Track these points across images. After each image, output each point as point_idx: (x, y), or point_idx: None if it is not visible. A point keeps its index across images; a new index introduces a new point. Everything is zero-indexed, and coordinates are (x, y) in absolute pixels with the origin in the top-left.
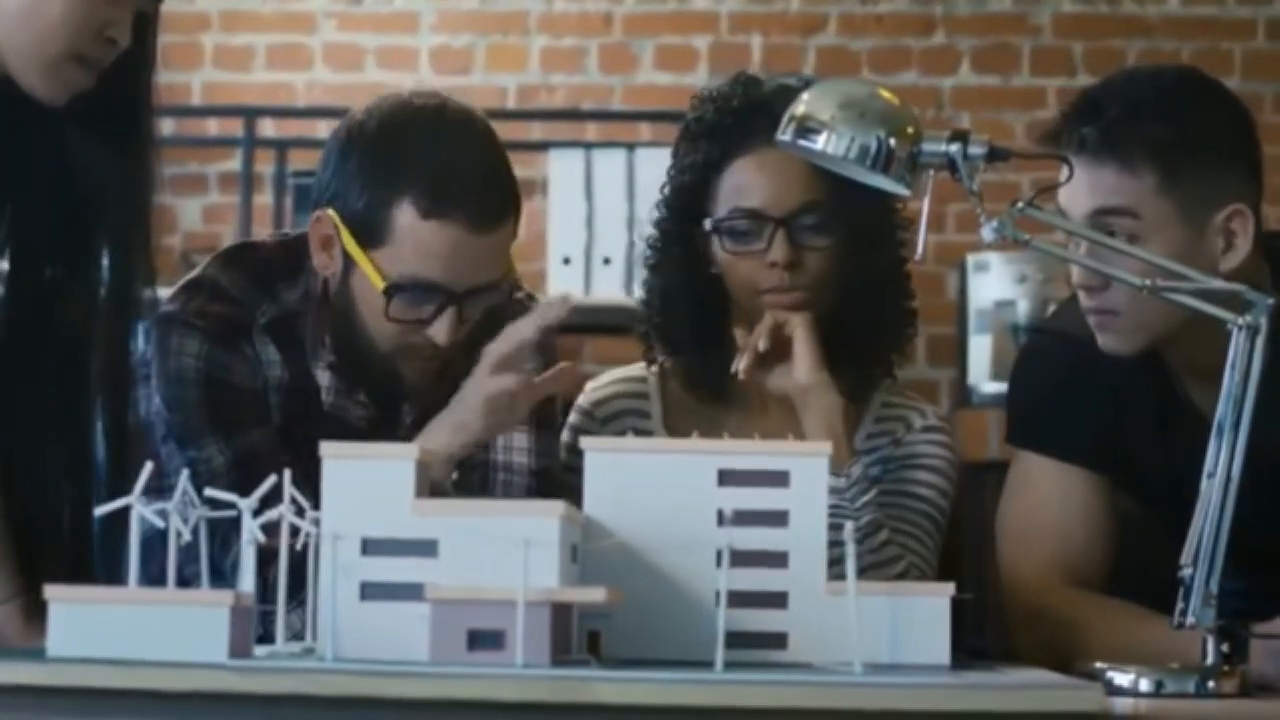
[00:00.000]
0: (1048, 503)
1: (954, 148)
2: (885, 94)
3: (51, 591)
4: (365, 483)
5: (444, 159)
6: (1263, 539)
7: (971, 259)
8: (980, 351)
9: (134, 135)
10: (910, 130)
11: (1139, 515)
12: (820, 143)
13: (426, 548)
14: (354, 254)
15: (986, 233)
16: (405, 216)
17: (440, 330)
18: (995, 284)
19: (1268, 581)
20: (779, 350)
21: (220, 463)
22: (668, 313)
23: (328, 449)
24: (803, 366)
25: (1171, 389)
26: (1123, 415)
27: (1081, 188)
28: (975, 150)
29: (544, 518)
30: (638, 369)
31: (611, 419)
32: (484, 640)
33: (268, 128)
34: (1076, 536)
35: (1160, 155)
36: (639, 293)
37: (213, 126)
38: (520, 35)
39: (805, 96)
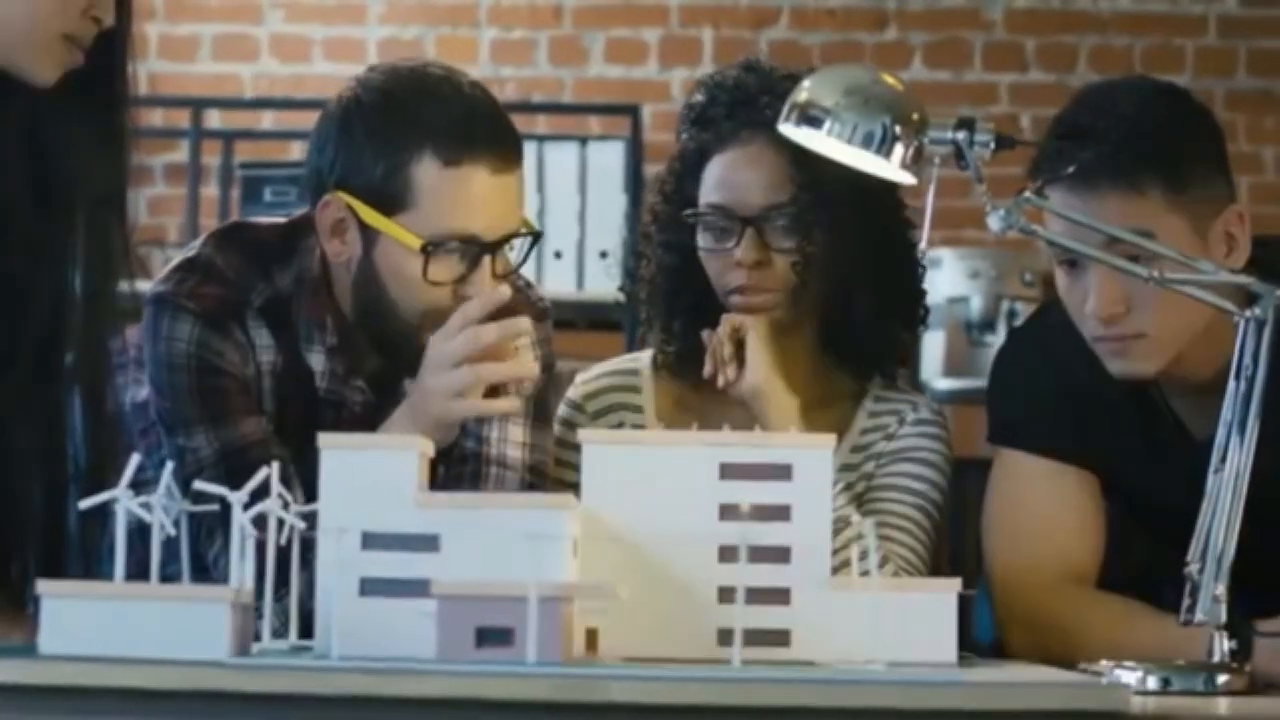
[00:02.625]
0: (1036, 499)
1: (960, 135)
2: (889, 79)
3: (44, 586)
4: (365, 475)
5: (454, 107)
6: (1253, 552)
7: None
8: (933, 348)
9: (111, 122)
10: (916, 117)
11: (1115, 516)
12: (823, 130)
13: (428, 542)
14: (379, 224)
15: (993, 222)
16: (428, 171)
17: (477, 285)
18: (948, 280)
19: (1252, 594)
20: (741, 352)
21: (208, 453)
22: (658, 300)
23: (326, 440)
24: (753, 371)
25: (1151, 399)
26: (1104, 420)
27: (1090, 216)
28: (982, 138)
29: (553, 510)
30: (629, 360)
31: (602, 413)
32: (492, 637)
33: (213, 119)
34: (1067, 532)
35: (1165, 171)
36: (626, 280)
37: (158, 117)
38: (470, 27)
39: (807, 83)
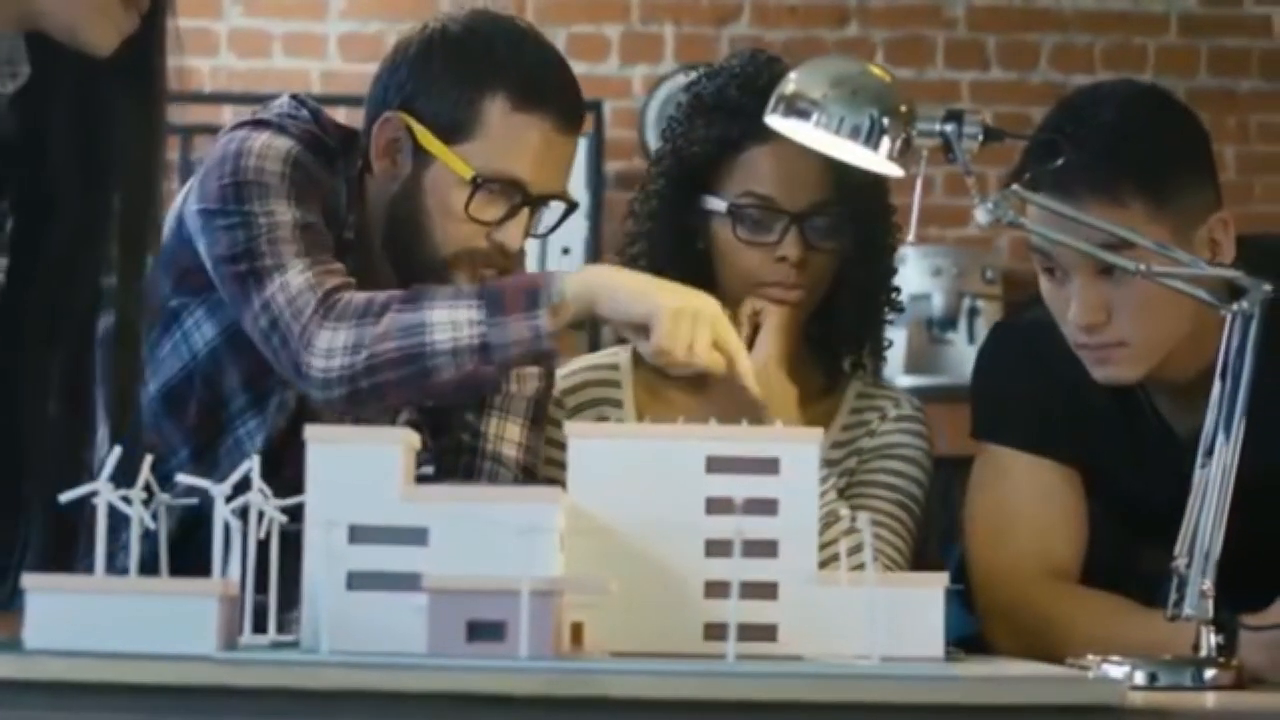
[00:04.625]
0: (1020, 495)
1: (949, 127)
2: (877, 71)
3: (29, 580)
4: (351, 468)
5: (535, 56)
6: (1240, 547)
7: None
8: (894, 345)
9: (150, 113)
10: (904, 109)
11: (1099, 513)
12: (811, 122)
13: (416, 535)
14: (434, 149)
15: (981, 214)
16: (497, 109)
17: (512, 233)
18: (910, 277)
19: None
20: (754, 337)
21: (286, 219)
22: None
23: (312, 433)
24: (759, 355)
25: (1136, 397)
26: (1088, 417)
27: (1069, 227)
28: (970, 130)
29: (544, 503)
30: (608, 355)
31: (582, 407)
32: (484, 632)
33: (172, 113)
34: (1051, 528)
35: (1145, 182)
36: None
37: None
38: None
39: (794, 75)
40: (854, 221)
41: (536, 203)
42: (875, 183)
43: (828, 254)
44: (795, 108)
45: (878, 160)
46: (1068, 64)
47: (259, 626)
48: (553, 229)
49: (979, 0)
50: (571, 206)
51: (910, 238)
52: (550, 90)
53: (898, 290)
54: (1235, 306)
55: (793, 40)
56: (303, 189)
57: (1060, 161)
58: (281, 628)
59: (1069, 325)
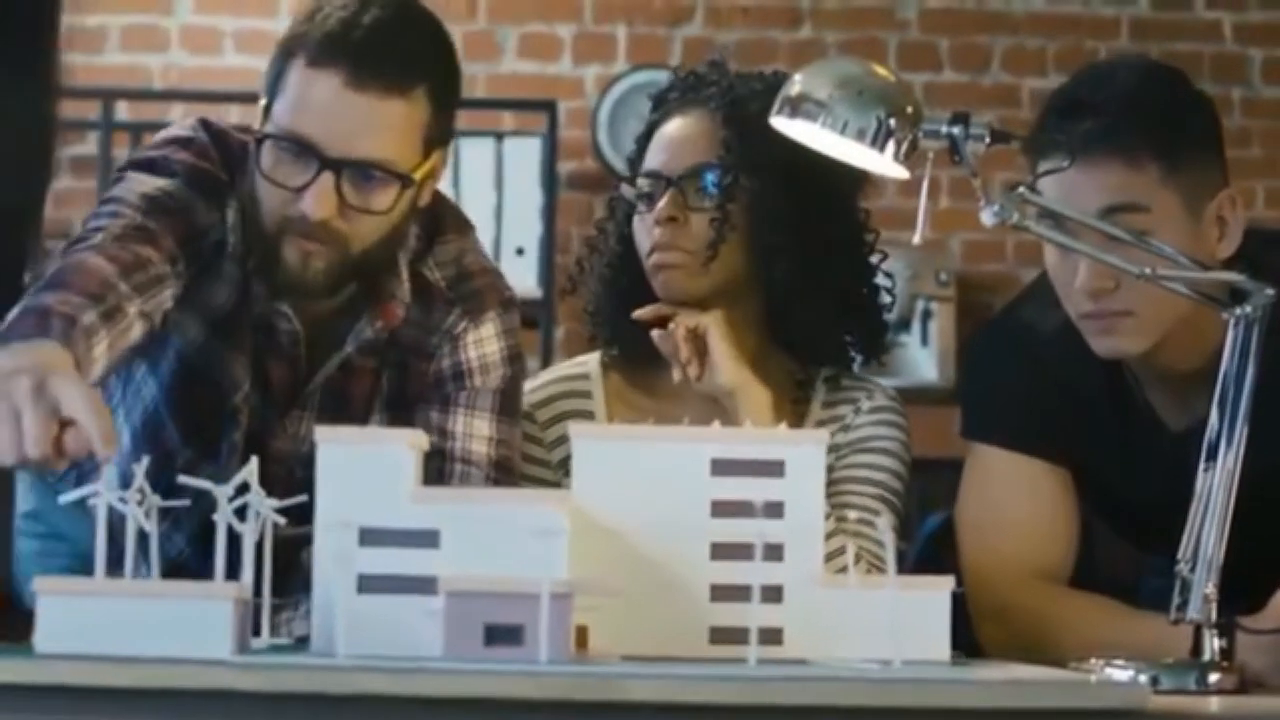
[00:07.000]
0: (1011, 496)
1: (956, 129)
2: (882, 71)
3: (40, 583)
4: (362, 469)
5: (350, 18)
6: (1239, 549)
7: None
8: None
9: (39, 110)
10: (910, 110)
11: (1089, 512)
12: (817, 123)
13: (428, 538)
14: (258, 111)
15: (986, 216)
16: (296, 66)
17: (310, 199)
18: None
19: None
20: (701, 349)
21: (130, 201)
22: (605, 295)
23: (323, 433)
24: (721, 369)
25: (1128, 390)
26: (1078, 413)
27: (1085, 188)
28: (977, 131)
29: (553, 506)
30: (576, 364)
31: (553, 421)
32: (501, 635)
33: (120, 110)
34: (1042, 530)
35: (1162, 146)
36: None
37: (64, 109)
38: None
39: (799, 76)
40: (745, 187)
41: (339, 167)
42: (789, 161)
43: (705, 214)
44: (801, 109)
45: (884, 162)
46: (1019, 66)
47: (253, 630)
48: (391, 208)
49: (932, 2)
50: (405, 183)
51: (916, 239)
52: (344, 45)
53: (866, 287)
54: (1238, 311)
55: (745, 41)
56: (162, 203)
57: (1067, 138)
58: (272, 630)
59: (1075, 295)
